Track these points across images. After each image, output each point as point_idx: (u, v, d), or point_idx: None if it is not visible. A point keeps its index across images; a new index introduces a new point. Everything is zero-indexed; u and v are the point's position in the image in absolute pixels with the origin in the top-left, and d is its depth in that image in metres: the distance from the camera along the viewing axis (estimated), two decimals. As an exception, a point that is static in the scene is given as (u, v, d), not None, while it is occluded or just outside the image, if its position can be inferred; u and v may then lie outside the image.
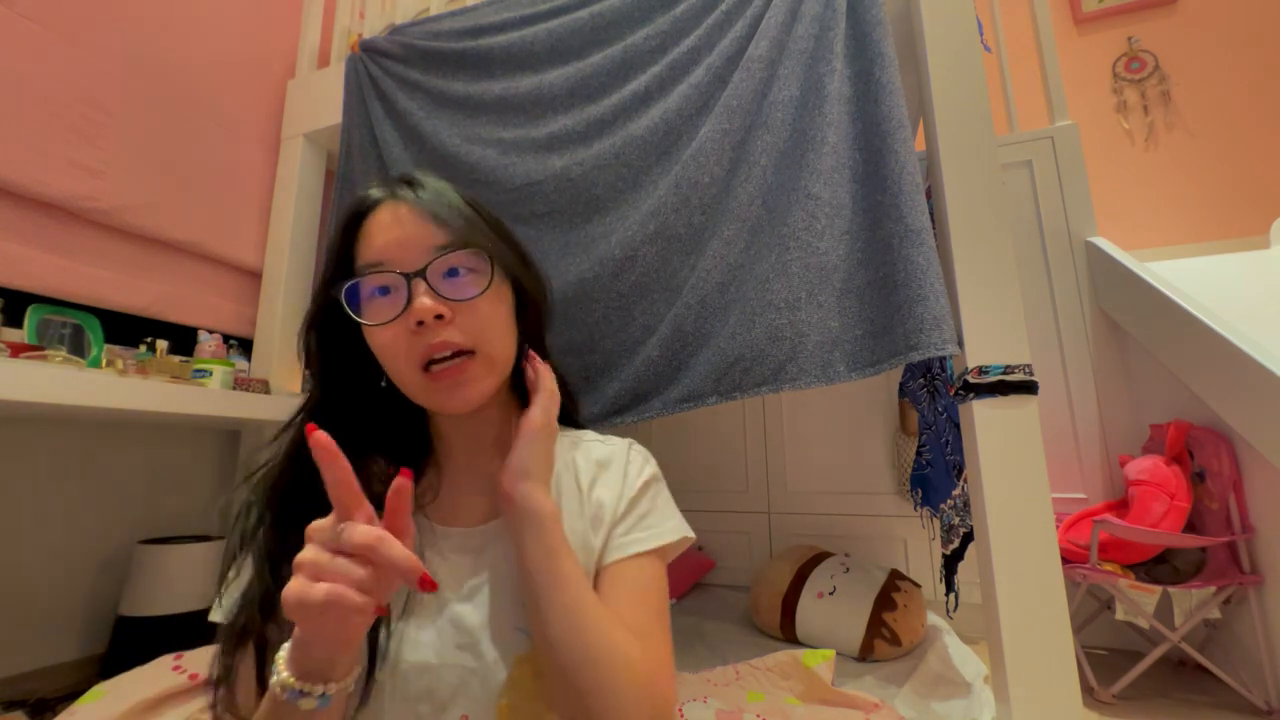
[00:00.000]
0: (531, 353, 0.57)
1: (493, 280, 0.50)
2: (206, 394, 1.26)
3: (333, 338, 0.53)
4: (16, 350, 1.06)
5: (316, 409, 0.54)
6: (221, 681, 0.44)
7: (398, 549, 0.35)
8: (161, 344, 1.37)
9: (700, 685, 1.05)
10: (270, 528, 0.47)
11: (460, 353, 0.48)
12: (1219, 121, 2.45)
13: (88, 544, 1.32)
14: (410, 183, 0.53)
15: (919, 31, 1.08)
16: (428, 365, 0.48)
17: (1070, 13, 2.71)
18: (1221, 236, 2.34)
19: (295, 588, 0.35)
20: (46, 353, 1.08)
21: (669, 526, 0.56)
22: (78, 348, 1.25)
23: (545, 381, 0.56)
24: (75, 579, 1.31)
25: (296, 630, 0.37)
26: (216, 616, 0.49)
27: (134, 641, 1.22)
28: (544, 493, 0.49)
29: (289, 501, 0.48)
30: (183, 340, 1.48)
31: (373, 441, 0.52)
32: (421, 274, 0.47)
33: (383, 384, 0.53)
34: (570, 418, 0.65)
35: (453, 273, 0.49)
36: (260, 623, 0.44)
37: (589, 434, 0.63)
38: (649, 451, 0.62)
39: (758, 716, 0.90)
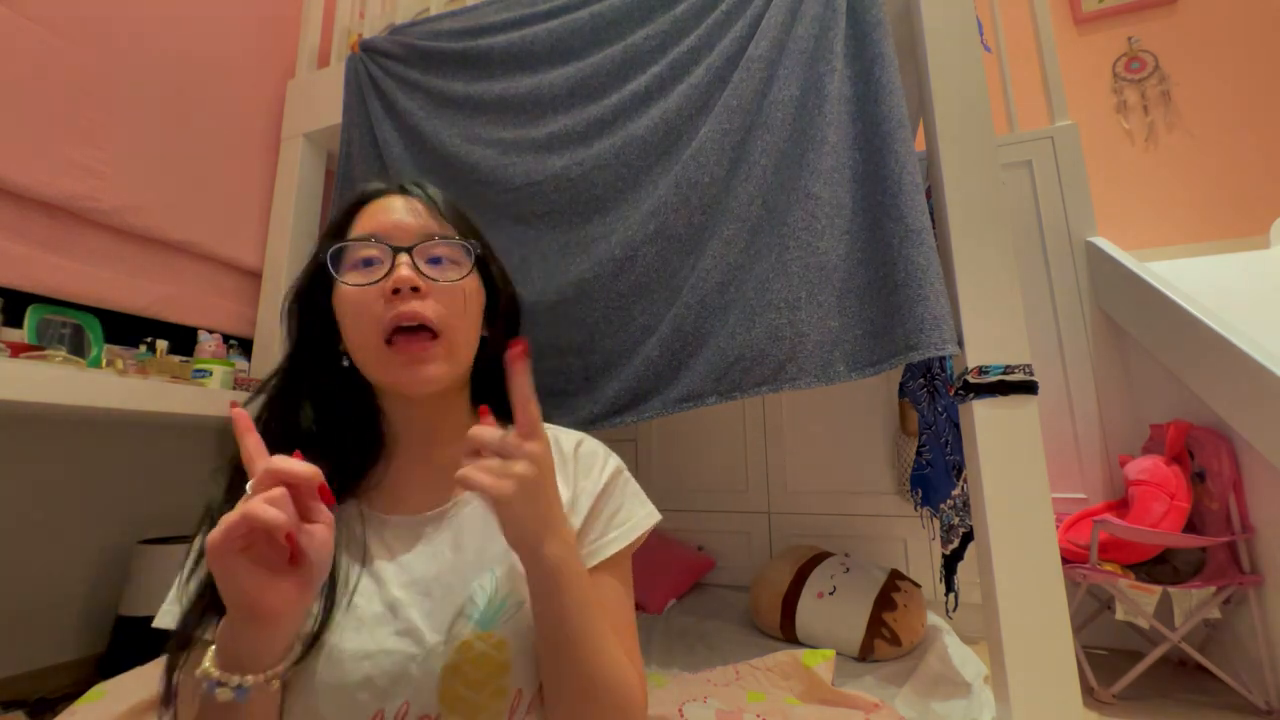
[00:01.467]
0: (516, 361, 0.45)
1: (470, 273, 0.53)
2: (206, 394, 1.26)
3: (312, 310, 0.54)
4: (16, 350, 1.06)
5: (283, 379, 0.55)
6: (169, 700, 0.44)
7: (295, 463, 0.37)
8: (161, 344, 1.37)
9: (700, 685, 1.05)
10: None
11: (425, 328, 0.50)
12: (1219, 121, 2.45)
13: (88, 544, 1.32)
14: (409, 185, 0.57)
15: (919, 31, 1.08)
16: (390, 338, 0.49)
17: (1070, 13, 2.71)
18: (1221, 236, 2.34)
19: (215, 530, 0.36)
20: (46, 353, 1.08)
21: (640, 516, 0.57)
22: (78, 348, 1.25)
23: (532, 411, 0.45)
24: (75, 579, 1.31)
25: (225, 618, 0.38)
26: (164, 622, 0.48)
27: (134, 641, 1.23)
28: (570, 549, 0.46)
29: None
30: (183, 340, 1.48)
31: (327, 423, 0.53)
32: (408, 250, 0.51)
33: (344, 363, 0.54)
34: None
35: (435, 260, 0.52)
36: (206, 613, 0.44)
37: (554, 428, 0.61)
38: (616, 451, 0.62)
39: (758, 716, 0.90)
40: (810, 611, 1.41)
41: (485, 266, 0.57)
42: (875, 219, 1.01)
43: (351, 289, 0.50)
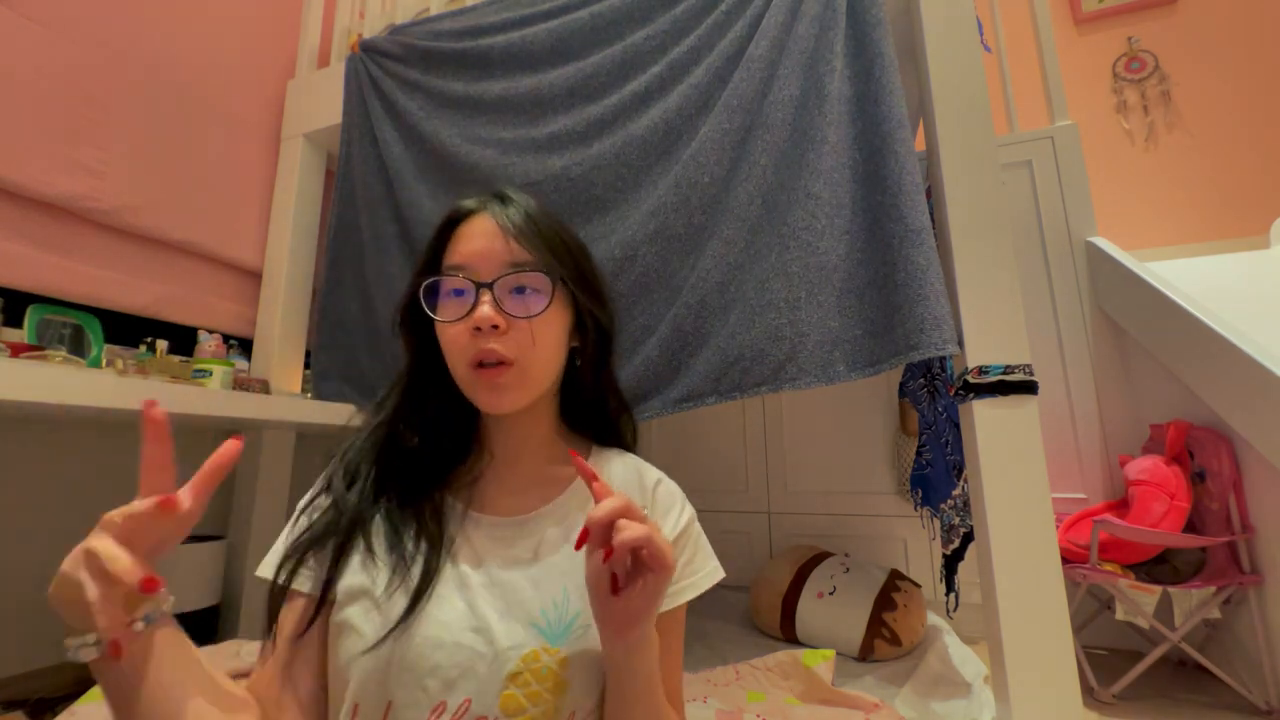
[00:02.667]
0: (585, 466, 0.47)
1: (550, 304, 0.55)
2: (206, 394, 1.25)
3: (418, 325, 0.59)
4: (16, 350, 1.06)
5: (408, 381, 0.60)
6: (287, 579, 0.50)
7: (117, 555, 0.38)
8: (161, 344, 1.37)
9: (700, 685, 1.05)
10: (373, 466, 0.56)
11: (502, 361, 0.53)
12: (1219, 121, 2.45)
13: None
14: (502, 199, 0.58)
15: (919, 31, 1.08)
16: (478, 364, 0.54)
17: (1070, 13, 2.71)
18: (1221, 236, 2.34)
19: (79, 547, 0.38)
20: (46, 353, 1.08)
21: (708, 570, 0.58)
22: (78, 348, 1.25)
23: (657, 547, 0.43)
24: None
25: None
26: (263, 571, 0.52)
27: (134, 641, 1.22)
28: (653, 625, 0.47)
29: (390, 458, 0.56)
30: (183, 340, 1.48)
31: (437, 426, 0.58)
32: (490, 285, 0.53)
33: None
34: (623, 440, 0.66)
35: (519, 290, 0.54)
36: (348, 524, 0.51)
37: (638, 460, 0.64)
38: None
39: (758, 716, 0.90)
40: (810, 611, 1.41)
41: (572, 283, 0.58)
42: (875, 219, 1.01)
43: (445, 324, 0.55)
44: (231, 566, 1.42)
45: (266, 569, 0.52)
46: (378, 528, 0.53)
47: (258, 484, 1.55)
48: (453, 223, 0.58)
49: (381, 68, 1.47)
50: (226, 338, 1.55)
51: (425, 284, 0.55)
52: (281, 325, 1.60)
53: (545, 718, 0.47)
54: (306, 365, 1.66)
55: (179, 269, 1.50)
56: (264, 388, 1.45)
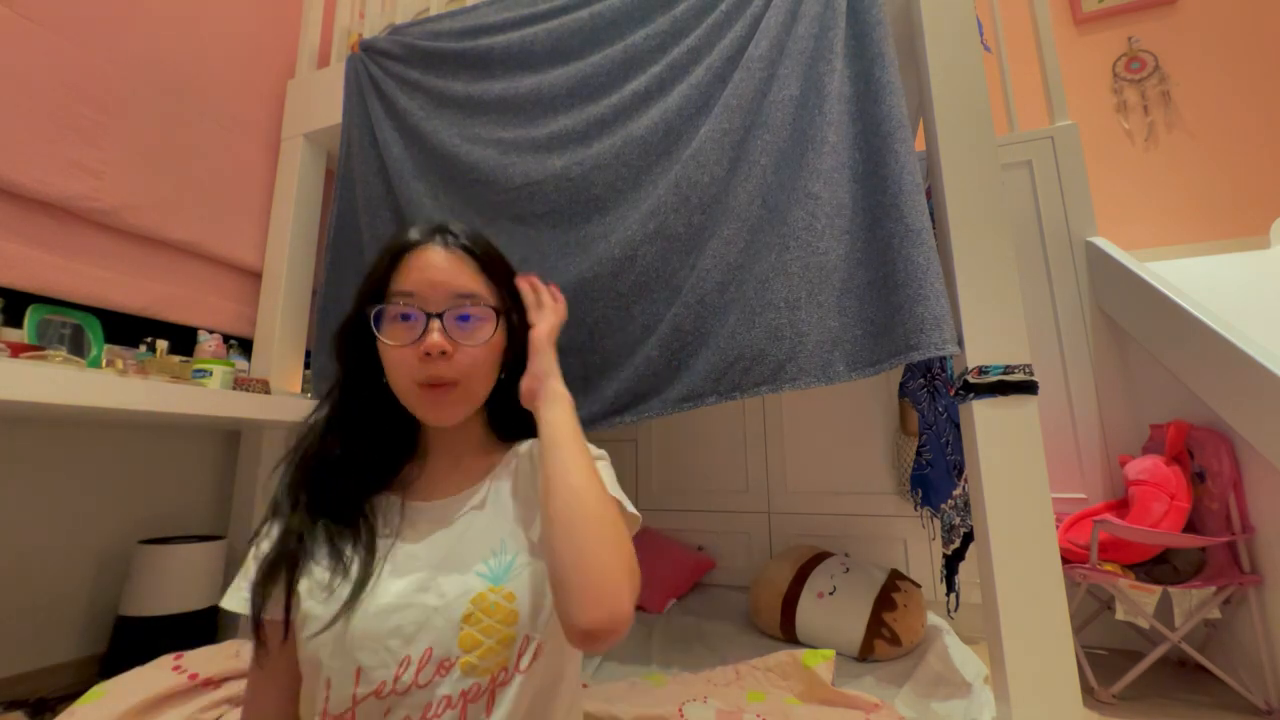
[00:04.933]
0: (533, 278, 0.70)
1: (495, 333, 0.62)
2: (206, 394, 1.25)
3: (358, 346, 0.63)
4: (16, 350, 1.06)
5: (341, 396, 0.64)
6: (258, 613, 0.54)
7: None
8: (161, 344, 1.37)
9: (700, 685, 1.05)
10: (305, 488, 0.59)
11: (447, 383, 0.59)
12: (1219, 121, 2.45)
13: (88, 544, 1.32)
14: (445, 232, 0.64)
15: (919, 31, 1.08)
16: (425, 384, 0.59)
17: (1070, 13, 2.71)
18: (1221, 236, 2.34)
19: None
20: (46, 353, 1.08)
21: (610, 486, 0.62)
22: (78, 348, 1.25)
23: (544, 299, 0.69)
24: (75, 579, 1.31)
25: None
26: (231, 604, 0.57)
27: (134, 641, 1.22)
28: (561, 384, 0.62)
29: (325, 461, 0.60)
30: (183, 340, 1.48)
31: (373, 433, 0.63)
32: (440, 316, 0.59)
33: (384, 380, 0.64)
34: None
35: (464, 318, 0.61)
36: (298, 545, 0.56)
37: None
38: (616, 451, 0.69)
39: (758, 716, 0.90)
40: (810, 611, 1.41)
41: (509, 308, 0.66)
42: (875, 219, 1.01)
43: (392, 347, 0.59)
44: (231, 566, 1.42)
45: (236, 604, 0.56)
46: (325, 534, 0.57)
47: (258, 484, 1.55)
48: (400, 253, 0.62)
49: (382, 68, 1.47)
50: (226, 338, 1.55)
51: (375, 309, 0.60)
52: (281, 325, 1.60)
53: (501, 646, 0.53)
54: (306, 365, 1.66)
55: (179, 269, 1.50)
56: (264, 388, 1.45)
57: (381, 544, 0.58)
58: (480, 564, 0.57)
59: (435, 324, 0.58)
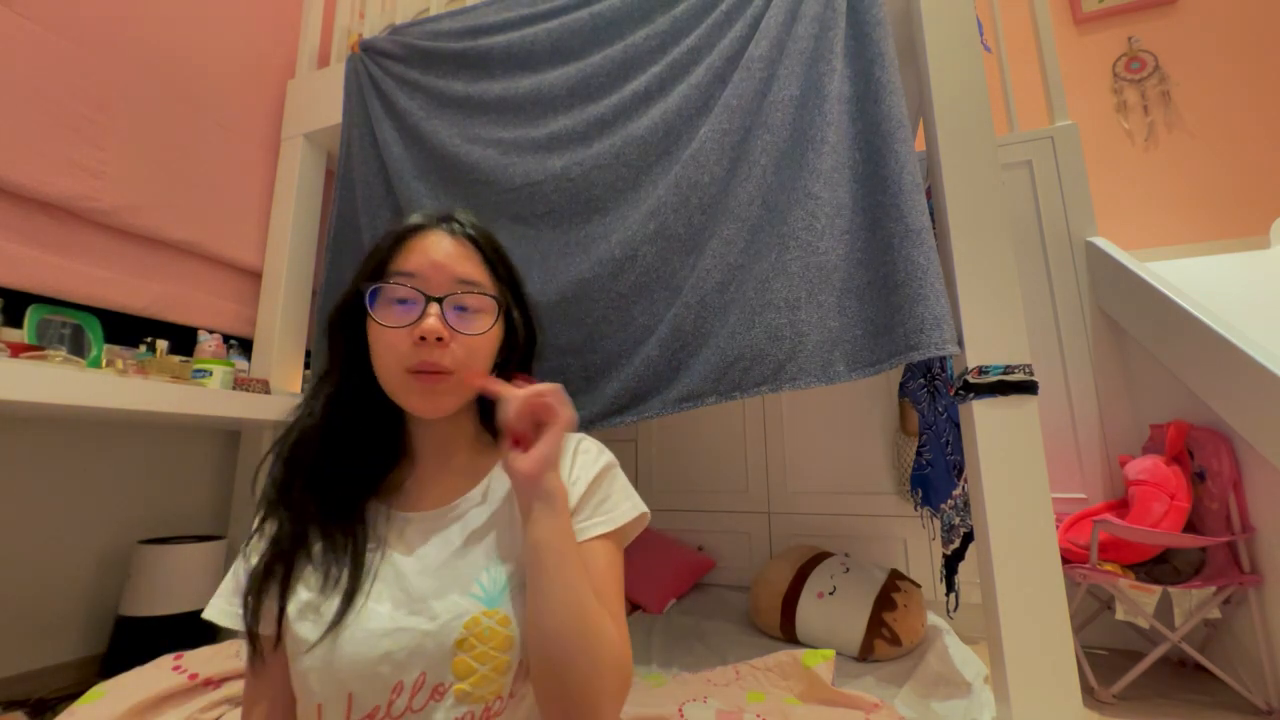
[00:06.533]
0: (527, 380, 0.61)
1: (494, 325, 0.59)
2: (206, 394, 1.26)
3: (351, 331, 0.60)
4: (16, 350, 1.06)
5: (333, 386, 0.61)
6: (253, 623, 0.52)
7: None
8: (161, 344, 1.37)
9: (700, 685, 1.05)
10: (299, 488, 0.56)
11: (440, 370, 0.56)
12: (1219, 121, 2.45)
13: (88, 544, 1.32)
14: (452, 220, 0.62)
15: (919, 31, 1.08)
16: (415, 370, 0.56)
17: (1070, 13, 2.71)
18: (1221, 236, 2.34)
19: None
20: (46, 353, 1.08)
21: (626, 507, 0.61)
22: (78, 348, 1.25)
23: (553, 400, 0.57)
24: (75, 579, 1.31)
25: None
26: (212, 614, 0.55)
27: (134, 641, 1.23)
28: (559, 479, 0.55)
29: (316, 461, 0.57)
30: (183, 340, 1.48)
31: (357, 432, 0.60)
32: (440, 300, 0.56)
33: (371, 373, 0.60)
34: None
35: (462, 307, 0.58)
36: (288, 557, 0.53)
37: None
38: (616, 451, 0.66)
39: (758, 716, 0.90)
40: (810, 611, 1.41)
41: (509, 302, 0.63)
42: (875, 219, 1.01)
43: (383, 329, 0.56)
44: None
45: (216, 614, 0.55)
46: (312, 548, 0.55)
47: (258, 484, 1.55)
48: (404, 235, 0.60)
49: (381, 68, 1.47)
50: (226, 338, 1.55)
51: (371, 287, 0.57)
52: (281, 325, 1.60)
53: (496, 673, 0.51)
54: (306, 365, 1.66)
55: (179, 269, 1.50)
56: (264, 388, 1.45)
57: (369, 557, 0.55)
58: (473, 584, 0.54)
59: (434, 308, 0.55)
